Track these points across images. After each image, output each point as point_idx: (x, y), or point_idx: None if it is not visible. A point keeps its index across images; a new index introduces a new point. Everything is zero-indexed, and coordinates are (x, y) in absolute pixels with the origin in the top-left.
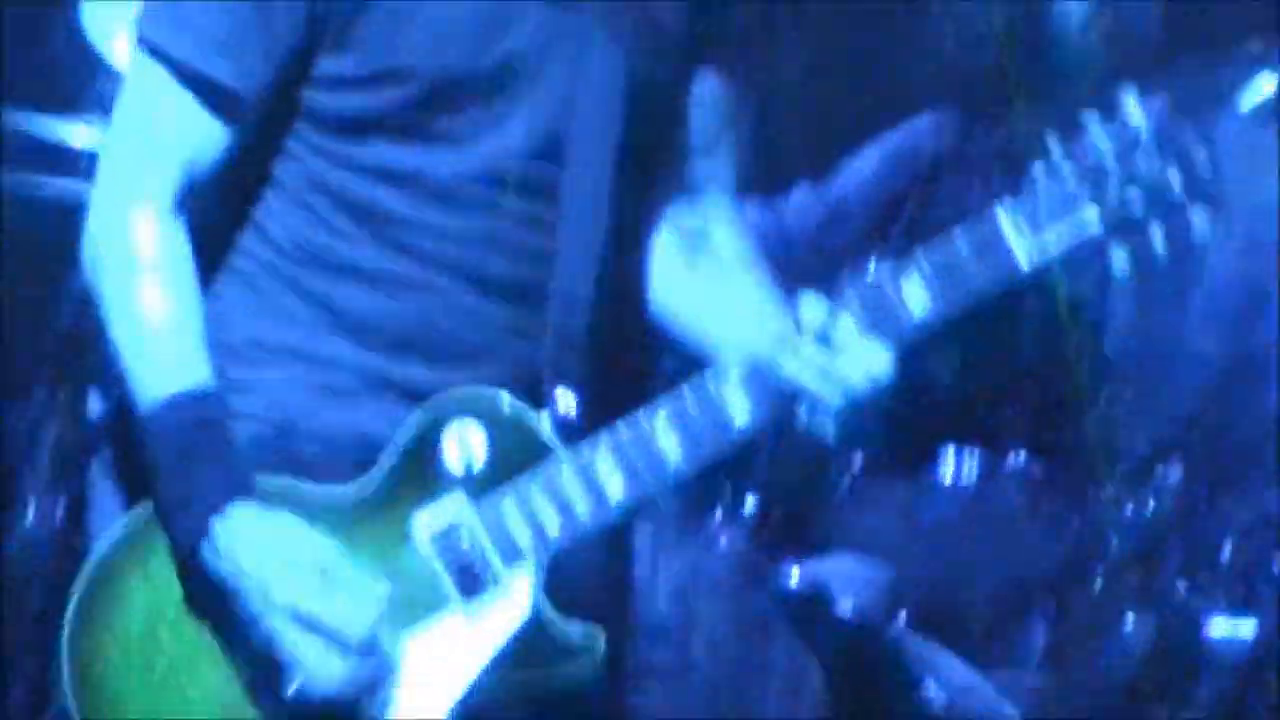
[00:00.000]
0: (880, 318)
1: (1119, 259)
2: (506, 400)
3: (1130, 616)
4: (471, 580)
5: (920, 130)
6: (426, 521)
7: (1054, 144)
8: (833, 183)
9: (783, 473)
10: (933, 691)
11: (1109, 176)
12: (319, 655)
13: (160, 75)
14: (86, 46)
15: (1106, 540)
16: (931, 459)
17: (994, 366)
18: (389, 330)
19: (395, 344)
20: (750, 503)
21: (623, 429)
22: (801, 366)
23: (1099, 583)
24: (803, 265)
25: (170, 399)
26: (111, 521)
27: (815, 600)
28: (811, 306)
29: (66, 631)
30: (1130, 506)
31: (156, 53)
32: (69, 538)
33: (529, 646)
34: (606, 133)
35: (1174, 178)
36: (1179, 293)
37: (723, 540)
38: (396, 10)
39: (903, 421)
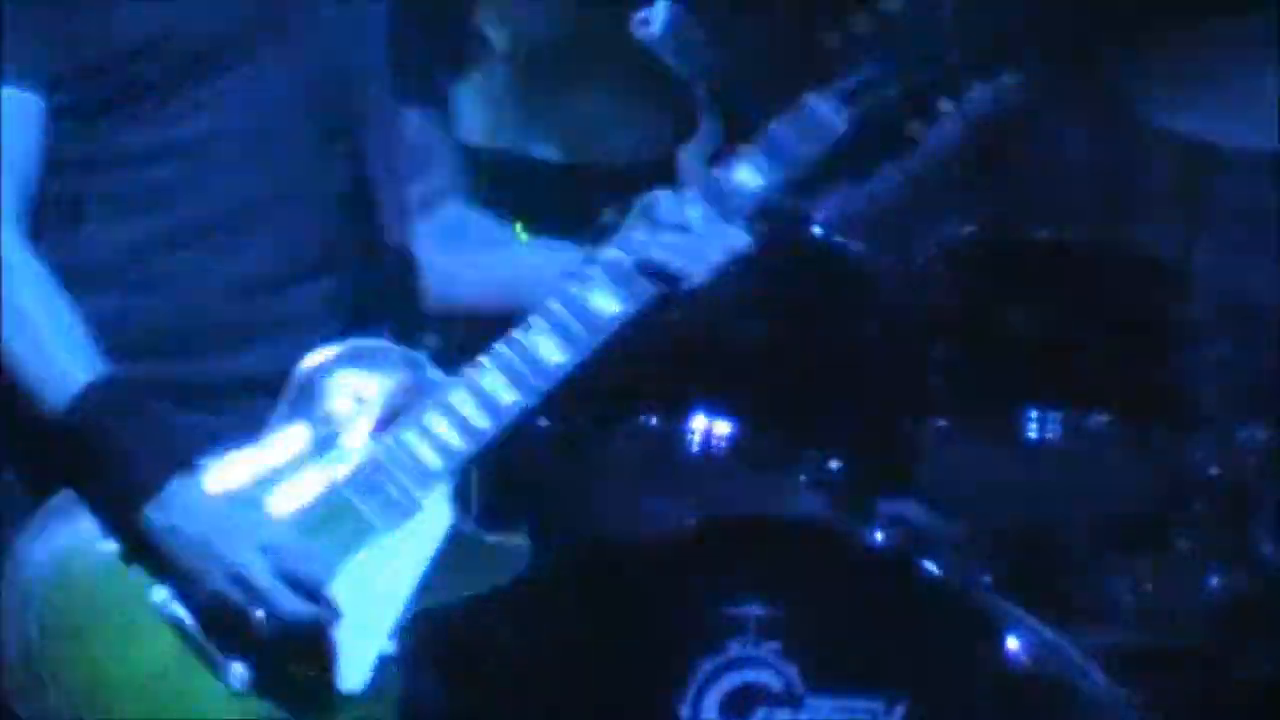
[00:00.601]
0: (725, 204)
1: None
2: (387, 345)
3: (1216, 576)
4: (392, 510)
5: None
6: (338, 466)
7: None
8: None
9: (865, 435)
10: (1015, 651)
11: (908, 50)
12: (276, 598)
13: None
14: None
15: (1191, 500)
16: (1015, 419)
17: (1077, 325)
18: (158, 333)
19: (164, 346)
20: (834, 465)
21: (501, 346)
22: (666, 250)
23: (1184, 542)
24: (889, 238)
25: (88, 388)
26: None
27: (899, 560)
28: (666, 203)
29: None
30: (1215, 466)
31: None
32: None
33: (455, 558)
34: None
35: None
36: (1267, 249)
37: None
38: None
39: (985, 382)
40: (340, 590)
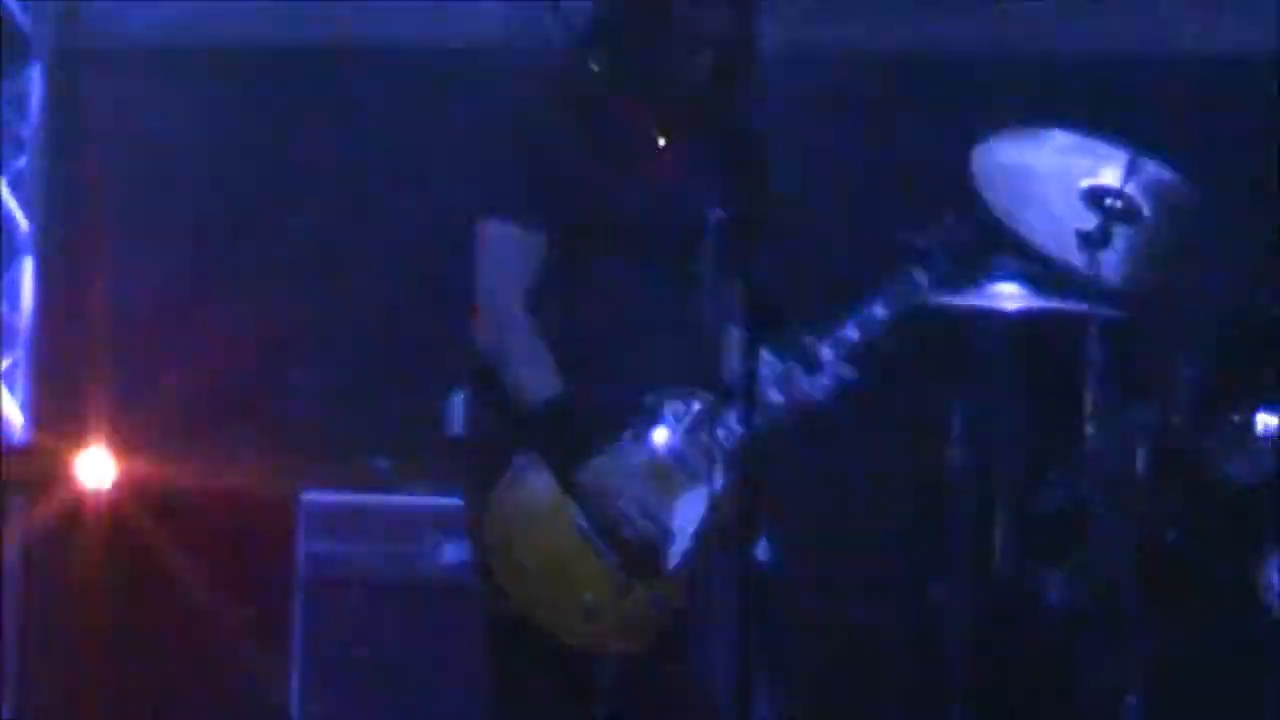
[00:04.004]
0: (840, 349)
1: None
2: (697, 393)
3: None
4: (698, 476)
5: None
6: (661, 442)
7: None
8: None
9: None
10: None
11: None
12: (643, 526)
13: (507, 234)
14: None
15: None
16: None
17: None
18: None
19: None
20: None
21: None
22: (812, 385)
23: None
24: None
25: (557, 397)
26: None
27: None
28: (808, 347)
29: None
30: None
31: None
32: None
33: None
34: None
35: None
36: None
37: None
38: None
39: None
40: (673, 514)
